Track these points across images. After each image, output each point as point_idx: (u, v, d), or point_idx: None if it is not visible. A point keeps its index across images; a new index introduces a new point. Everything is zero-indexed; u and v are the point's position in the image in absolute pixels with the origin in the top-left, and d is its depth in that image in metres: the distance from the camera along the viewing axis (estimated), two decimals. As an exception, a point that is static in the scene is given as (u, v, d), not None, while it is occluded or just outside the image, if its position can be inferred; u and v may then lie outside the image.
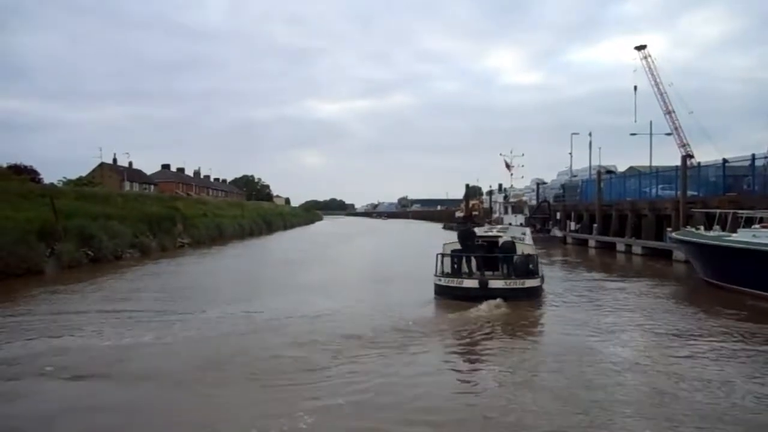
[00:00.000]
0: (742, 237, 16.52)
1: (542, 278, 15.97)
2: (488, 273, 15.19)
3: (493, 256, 15.79)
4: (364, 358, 9.62)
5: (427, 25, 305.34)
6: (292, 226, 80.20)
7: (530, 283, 14.92)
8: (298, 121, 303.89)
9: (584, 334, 11.54)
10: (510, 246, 15.83)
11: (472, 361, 9.95)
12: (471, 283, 14.74)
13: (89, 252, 24.44)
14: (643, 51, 55.83)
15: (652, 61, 55.33)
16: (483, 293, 14.26)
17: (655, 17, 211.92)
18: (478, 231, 18.49)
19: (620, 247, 32.20)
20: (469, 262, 15.73)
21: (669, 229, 26.42)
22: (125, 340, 10.77)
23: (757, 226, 16.97)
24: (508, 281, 14.77)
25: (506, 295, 14.26)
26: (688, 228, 21.61)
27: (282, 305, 14.49)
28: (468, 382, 8.76)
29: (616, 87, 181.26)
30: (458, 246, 16.09)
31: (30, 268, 20.29)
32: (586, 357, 9.72)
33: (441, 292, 15.22)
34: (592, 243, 36.41)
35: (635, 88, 57.23)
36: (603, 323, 12.54)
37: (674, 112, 54.45)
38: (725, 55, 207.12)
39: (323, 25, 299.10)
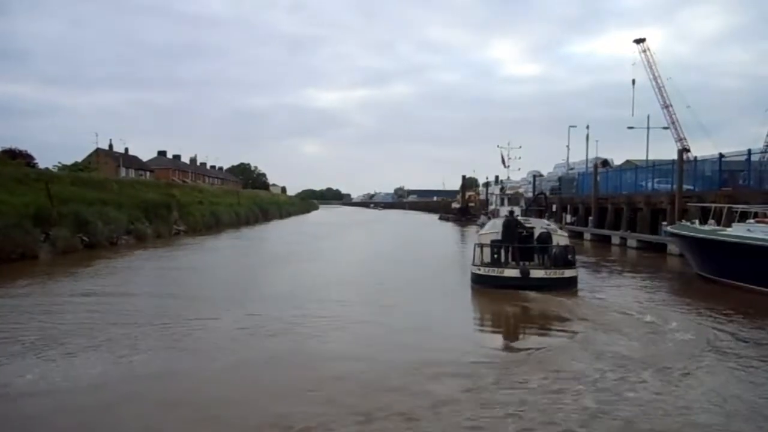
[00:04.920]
0: (737, 231, 16.60)
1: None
2: (526, 263, 15.50)
3: (531, 246, 16.06)
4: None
5: (429, 14, 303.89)
6: (288, 215, 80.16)
7: (569, 273, 15.30)
8: (297, 110, 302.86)
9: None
10: (546, 237, 16.13)
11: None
12: (512, 273, 14.99)
13: (84, 238, 24.40)
14: (642, 44, 55.90)
15: (651, 55, 55.43)
16: (524, 283, 14.52)
17: (656, 11, 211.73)
18: None
19: (615, 240, 32.31)
20: (507, 251, 15.94)
21: (664, 222, 26.60)
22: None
23: (751, 220, 17.04)
24: (548, 271, 15.09)
25: (547, 284, 14.56)
26: (684, 222, 21.69)
27: (276, 317, 11.77)
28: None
29: (616, 80, 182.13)
30: (496, 236, 16.29)
31: (25, 253, 20.25)
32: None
33: (481, 281, 15.47)
34: (587, 236, 36.50)
35: (633, 81, 57.31)
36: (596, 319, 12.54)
37: (672, 106, 54.66)
38: (724, 50, 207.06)
39: (325, 14, 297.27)
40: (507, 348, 10.48)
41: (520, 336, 11.53)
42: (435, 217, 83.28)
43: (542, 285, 14.50)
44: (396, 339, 10.38)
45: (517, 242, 15.90)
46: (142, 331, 10.50)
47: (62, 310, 12.38)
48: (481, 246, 16.19)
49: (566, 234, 17.79)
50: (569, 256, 15.64)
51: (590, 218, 38.06)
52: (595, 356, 9.13)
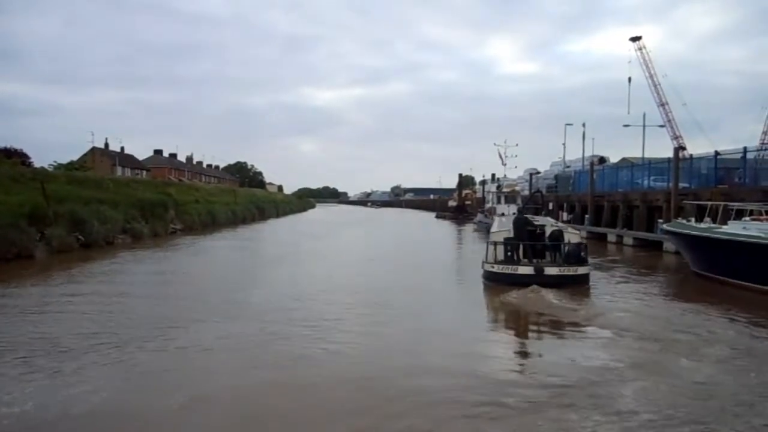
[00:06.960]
0: (732, 229, 16.62)
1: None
2: (539, 260, 15.72)
3: (544, 244, 16.26)
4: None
5: (427, 13, 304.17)
6: (285, 213, 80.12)
7: (582, 270, 15.53)
8: (294, 109, 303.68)
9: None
10: (558, 234, 16.39)
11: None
12: (526, 270, 15.17)
13: (80, 237, 24.30)
14: (638, 42, 55.90)
15: (647, 53, 55.46)
16: (538, 280, 14.63)
17: (652, 9, 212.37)
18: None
19: (611, 237, 32.35)
20: (518, 249, 16.14)
21: (660, 220, 26.65)
22: None
23: (747, 218, 17.09)
24: (562, 268, 15.29)
25: (561, 281, 14.72)
26: (679, 220, 21.72)
27: (260, 335, 10.17)
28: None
29: (612, 78, 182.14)
30: (509, 234, 16.50)
31: (20, 253, 20.17)
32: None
33: (494, 278, 15.66)
34: (583, 233, 36.42)
35: (629, 79, 57.36)
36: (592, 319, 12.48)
37: (668, 104, 54.71)
38: (720, 48, 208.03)
39: (323, 13, 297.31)
40: (538, 377, 8.02)
41: (551, 355, 9.28)
42: (432, 215, 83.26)
43: (556, 282, 14.63)
44: (400, 382, 7.78)
45: (527, 240, 16.11)
46: (101, 349, 9.12)
47: (25, 321, 11.23)
48: (495, 244, 16.37)
49: (577, 232, 17.98)
50: (582, 254, 15.86)
51: (586, 216, 38.11)
52: (664, 390, 7.29)
